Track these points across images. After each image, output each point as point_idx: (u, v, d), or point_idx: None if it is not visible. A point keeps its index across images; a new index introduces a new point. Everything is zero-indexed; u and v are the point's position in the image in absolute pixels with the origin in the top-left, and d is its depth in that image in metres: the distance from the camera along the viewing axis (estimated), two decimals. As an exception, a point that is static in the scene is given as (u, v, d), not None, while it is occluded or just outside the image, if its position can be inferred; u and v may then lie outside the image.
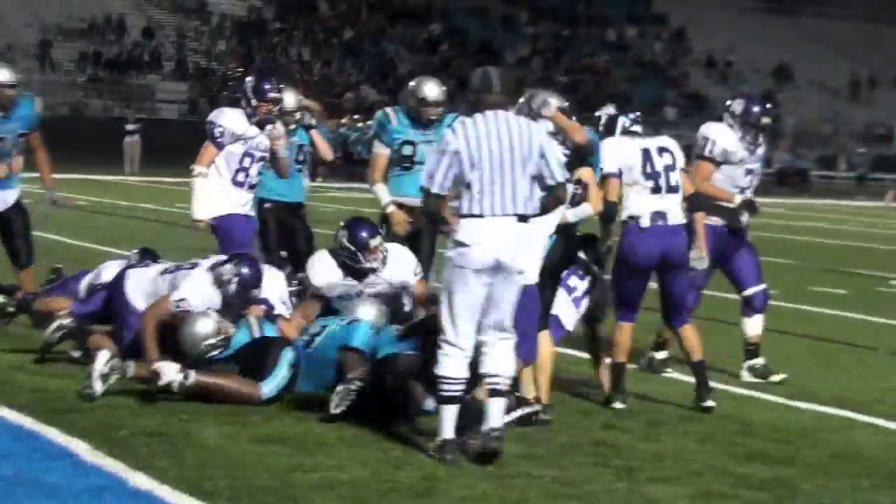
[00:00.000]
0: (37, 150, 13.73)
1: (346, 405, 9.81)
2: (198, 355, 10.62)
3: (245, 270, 10.98)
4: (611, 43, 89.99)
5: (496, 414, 9.16)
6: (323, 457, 9.00)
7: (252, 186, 12.88)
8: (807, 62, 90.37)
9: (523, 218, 9.09)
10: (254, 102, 12.66)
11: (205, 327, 10.61)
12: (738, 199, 12.32)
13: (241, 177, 12.69)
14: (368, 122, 16.26)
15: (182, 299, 10.79)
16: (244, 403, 10.37)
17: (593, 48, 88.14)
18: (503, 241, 8.98)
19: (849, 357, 14.64)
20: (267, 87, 12.77)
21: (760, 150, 12.69)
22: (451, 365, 9.08)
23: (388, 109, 13.07)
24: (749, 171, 12.51)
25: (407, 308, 11.32)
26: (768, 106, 12.82)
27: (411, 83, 13.16)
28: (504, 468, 8.96)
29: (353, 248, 11.23)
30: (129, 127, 49.80)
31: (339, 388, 9.91)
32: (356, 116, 45.26)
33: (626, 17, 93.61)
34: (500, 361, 9.24)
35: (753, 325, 12.73)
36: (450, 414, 9.10)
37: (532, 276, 9.93)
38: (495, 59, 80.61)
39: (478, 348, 9.28)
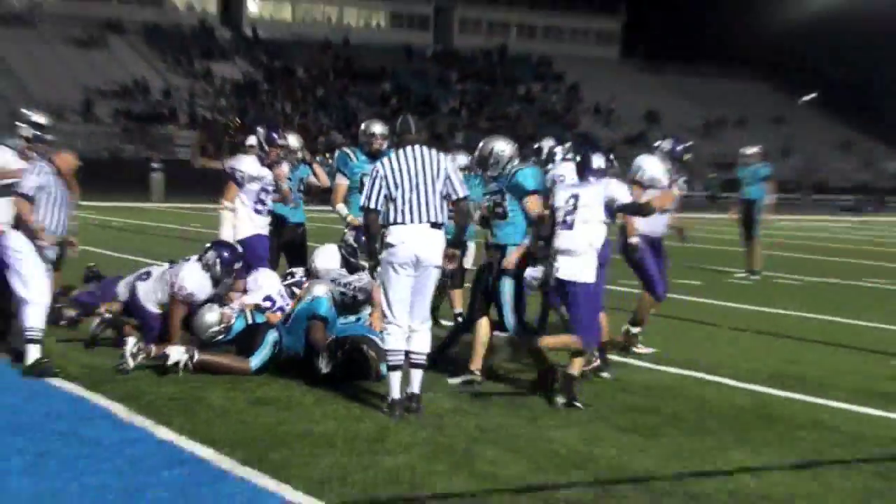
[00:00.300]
0: None
1: (331, 366, 10.15)
2: (206, 339, 11.04)
3: (224, 254, 11.28)
4: (521, 96, 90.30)
5: (417, 382, 9.44)
6: (301, 413, 9.22)
7: (269, 212, 12.96)
8: (670, 109, 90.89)
9: (436, 225, 9.44)
10: (266, 149, 12.74)
11: (211, 318, 11.07)
12: (632, 239, 12.17)
13: (259, 206, 12.77)
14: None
15: (184, 289, 10.99)
16: (240, 374, 10.53)
17: (508, 101, 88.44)
18: (421, 242, 9.38)
19: (701, 332, 14.80)
20: (275, 136, 12.82)
21: (681, 180, 12.71)
22: (394, 339, 9.40)
23: (348, 150, 13.58)
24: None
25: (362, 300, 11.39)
26: (689, 145, 12.89)
27: (363, 124, 13.64)
28: (440, 419, 9.12)
29: (355, 245, 11.61)
30: (154, 165, 50.12)
31: (321, 358, 10.21)
32: (327, 155, 45.29)
33: (532, 76, 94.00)
34: (422, 342, 9.53)
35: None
36: (396, 378, 9.33)
37: (590, 277, 10.13)
38: (433, 110, 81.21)
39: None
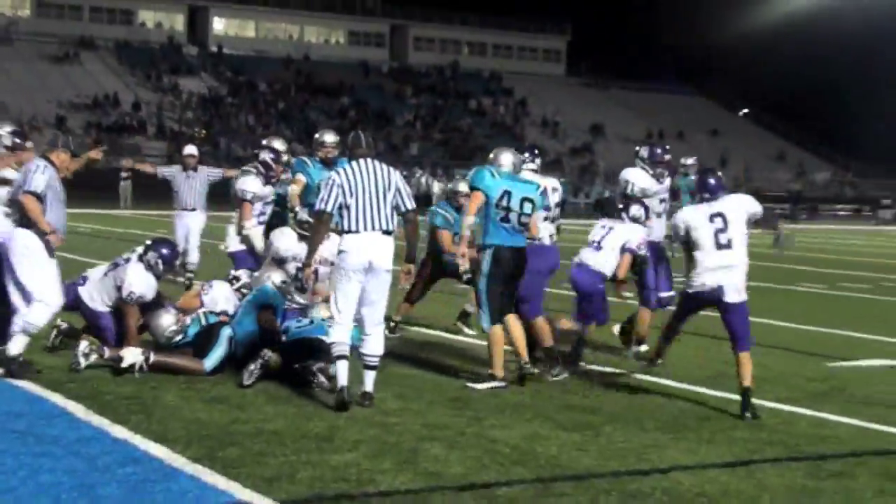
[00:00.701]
0: None
1: (253, 380, 9.91)
2: (164, 342, 10.82)
3: (164, 251, 11.05)
4: (472, 110, 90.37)
5: (369, 381, 9.43)
6: (254, 412, 8.97)
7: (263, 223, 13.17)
8: (613, 121, 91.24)
9: (387, 232, 9.42)
10: (274, 167, 13.08)
11: (166, 322, 10.88)
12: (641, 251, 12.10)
13: (261, 219, 13.09)
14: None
15: (133, 293, 10.70)
16: (195, 374, 10.29)
17: (460, 114, 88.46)
18: (372, 249, 9.32)
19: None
20: (280, 153, 13.30)
21: (666, 182, 12.51)
22: (339, 333, 9.39)
23: (305, 157, 13.52)
24: (662, 200, 12.40)
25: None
26: (666, 147, 12.72)
27: (316, 134, 13.61)
28: (386, 418, 8.91)
29: (310, 220, 11.08)
30: (123, 174, 49.54)
31: (250, 365, 9.98)
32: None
33: (483, 91, 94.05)
34: (376, 345, 9.52)
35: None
36: (343, 367, 9.27)
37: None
38: (389, 123, 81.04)
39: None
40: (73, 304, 11.00)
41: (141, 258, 10.92)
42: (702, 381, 11.10)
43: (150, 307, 10.98)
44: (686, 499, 7.03)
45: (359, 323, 9.56)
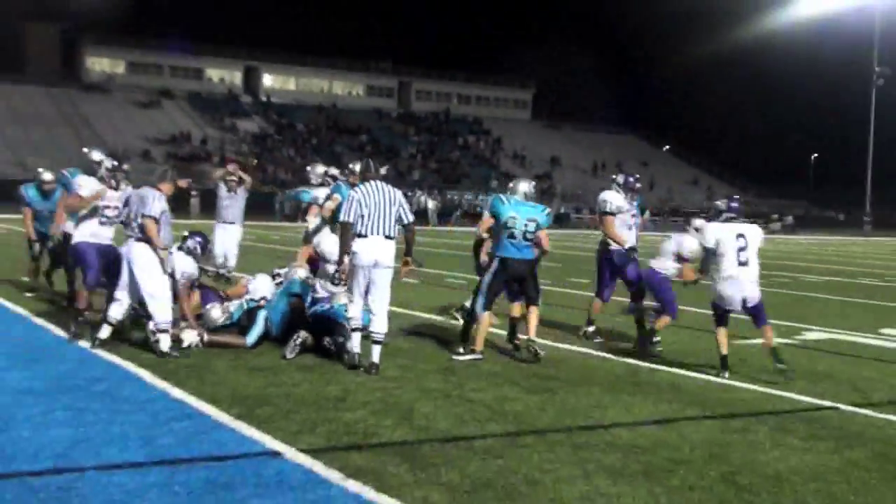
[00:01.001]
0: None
1: (295, 353, 9.57)
2: (213, 327, 10.43)
3: (198, 239, 10.80)
4: (460, 146, 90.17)
5: (376, 354, 9.18)
6: (285, 378, 8.63)
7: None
8: (567, 155, 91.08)
9: (388, 237, 9.30)
10: (328, 181, 12.54)
11: (215, 314, 10.60)
12: (627, 244, 11.72)
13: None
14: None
15: (183, 272, 10.38)
16: (240, 348, 9.98)
17: (450, 149, 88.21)
18: (377, 250, 9.23)
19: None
20: (327, 170, 12.92)
21: (635, 203, 12.10)
22: (354, 310, 9.33)
23: (341, 182, 12.66)
24: (633, 216, 12.01)
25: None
26: (637, 177, 12.39)
27: (350, 164, 12.58)
28: (388, 384, 8.60)
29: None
30: (193, 194, 49.32)
31: (290, 343, 9.64)
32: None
33: (468, 131, 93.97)
34: (381, 324, 9.27)
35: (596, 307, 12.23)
36: (356, 337, 9.24)
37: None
38: (396, 155, 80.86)
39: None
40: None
41: (180, 247, 10.61)
42: (633, 353, 10.82)
43: (205, 300, 10.73)
44: (623, 449, 6.73)
45: (369, 307, 9.33)
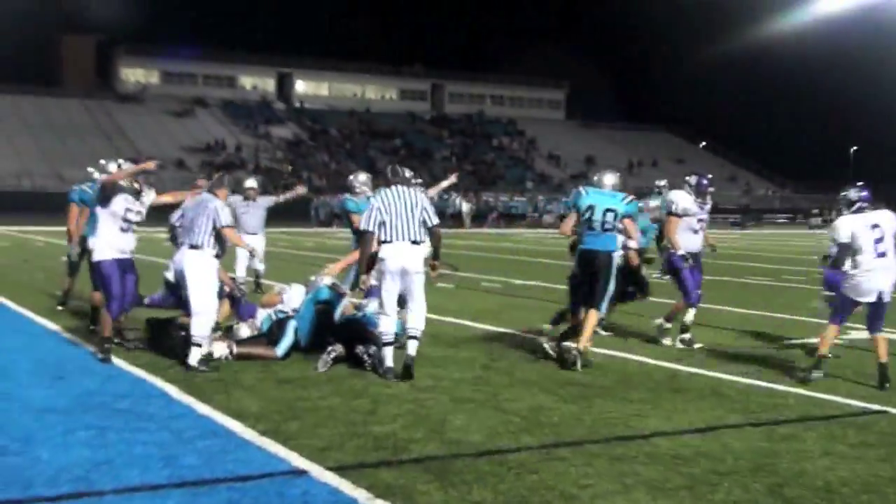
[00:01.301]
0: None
1: (328, 367, 9.35)
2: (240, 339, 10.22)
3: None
4: (494, 147, 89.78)
5: (412, 348, 9.11)
6: (314, 391, 8.37)
7: None
8: (602, 154, 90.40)
9: (416, 242, 9.10)
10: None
11: (244, 332, 10.37)
12: (680, 251, 11.23)
13: None
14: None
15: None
16: (269, 360, 9.74)
17: (484, 151, 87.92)
18: (404, 255, 9.03)
19: (629, 321, 13.89)
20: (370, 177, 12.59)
21: (707, 207, 11.69)
22: (386, 324, 9.09)
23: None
24: (700, 220, 11.55)
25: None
26: (710, 178, 11.90)
27: (350, 176, 12.87)
28: (420, 394, 8.34)
29: None
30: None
31: (323, 356, 9.39)
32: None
33: (503, 132, 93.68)
34: (418, 320, 9.14)
35: (690, 315, 11.51)
36: (388, 352, 9.02)
37: None
38: (430, 158, 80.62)
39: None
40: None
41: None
42: (674, 358, 10.48)
43: (248, 312, 10.63)
44: (664, 460, 6.45)
45: (407, 307, 9.25)
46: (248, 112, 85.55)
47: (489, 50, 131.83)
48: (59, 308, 13.45)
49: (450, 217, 55.37)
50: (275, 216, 17.69)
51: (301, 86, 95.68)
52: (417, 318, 9.14)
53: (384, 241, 9.11)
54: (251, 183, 16.76)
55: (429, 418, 7.45)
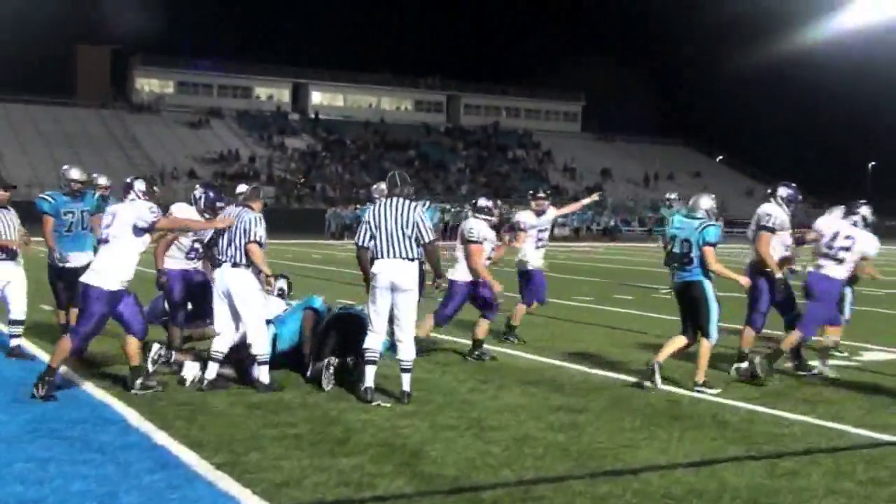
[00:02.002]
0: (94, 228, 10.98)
1: (331, 383, 8.98)
2: None
3: (210, 193, 9.86)
4: (509, 158, 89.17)
5: (406, 382, 8.65)
6: (285, 416, 7.85)
7: None
8: (618, 167, 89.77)
9: (407, 259, 8.59)
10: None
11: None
12: (778, 273, 10.39)
13: None
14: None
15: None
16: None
17: (500, 163, 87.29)
18: (394, 272, 8.53)
19: (632, 339, 13.33)
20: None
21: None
22: (372, 341, 8.65)
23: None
24: (790, 235, 10.83)
25: None
26: (796, 188, 11.00)
27: (373, 186, 12.06)
28: (399, 421, 7.78)
29: None
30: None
31: (324, 374, 8.97)
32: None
33: (517, 144, 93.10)
34: (407, 352, 8.66)
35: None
36: (370, 370, 8.54)
37: None
38: (445, 170, 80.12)
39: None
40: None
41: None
42: (675, 381, 9.83)
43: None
44: (654, 499, 5.89)
45: (393, 334, 8.73)
46: (262, 123, 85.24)
47: (506, 62, 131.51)
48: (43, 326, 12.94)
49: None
50: (289, 227, 17.19)
51: (317, 97, 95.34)
52: (407, 349, 8.64)
53: (375, 258, 8.69)
54: (242, 188, 16.08)
55: (403, 449, 6.90)
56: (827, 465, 6.80)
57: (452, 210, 51.77)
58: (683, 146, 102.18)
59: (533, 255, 12.55)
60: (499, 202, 12.47)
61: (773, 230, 10.53)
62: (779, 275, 10.40)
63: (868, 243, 10.51)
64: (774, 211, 10.67)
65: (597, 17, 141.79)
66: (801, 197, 10.96)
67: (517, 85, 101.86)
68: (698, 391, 9.26)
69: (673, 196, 22.31)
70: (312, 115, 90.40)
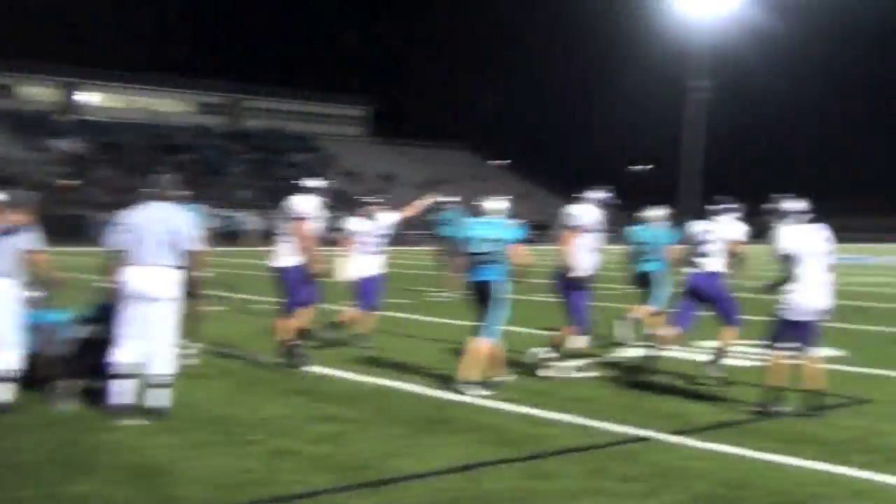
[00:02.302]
0: None
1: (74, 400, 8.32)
2: None
3: None
4: (294, 162, 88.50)
5: (165, 398, 8.08)
6: (27, 438, 7.17)
7: None
8: (401, 171, 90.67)
9: (162, 266, 8.14)
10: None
11: None
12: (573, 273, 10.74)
13: None
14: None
15: None
16: None
17: (282, 167, 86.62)
18: (147, 280, 8.10)
19: (407, 343, 13.22)
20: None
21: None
22: (122, 353, 8.09)
23: None
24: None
25: None
26: (613, 194, 11.41)
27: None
28: (148, 438, 7.28)
29: None
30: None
31: (66, 391, 8.34)
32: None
33: (300, 148, 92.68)
34: (164, 363, 8.14)
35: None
36: (123, 385, 7.98)
37: None
38: (223, 172, 78.64)
39: None
40: None
41: None
42: (437, 384, 9.80)
43: None
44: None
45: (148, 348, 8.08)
46: (29, 124, 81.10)
47: (291, 66, 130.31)
48: None
49: (237, 234, 54.13)
50: (57, 233, 16.11)
51: (88, 97, 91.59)
52: (163, 361, 8.06)
53: (129, 264, 8.11)
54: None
55: (148, 469, 6.46)
56: (586, 463, 6.88)
57: (224, 215, 50.60)
58: (464, 151, 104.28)
59: (365, 261, 12.40)
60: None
61: (581, 230, 10.87)
62: (576, 273, 10.71)
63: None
64: (586, 211, 11.10)
65: (386, 23, 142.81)
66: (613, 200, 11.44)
67: (303, 89, 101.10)
68: (462, 391, 9.24)
69: (452, 200, 22.58)
70: (84, 118, 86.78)
